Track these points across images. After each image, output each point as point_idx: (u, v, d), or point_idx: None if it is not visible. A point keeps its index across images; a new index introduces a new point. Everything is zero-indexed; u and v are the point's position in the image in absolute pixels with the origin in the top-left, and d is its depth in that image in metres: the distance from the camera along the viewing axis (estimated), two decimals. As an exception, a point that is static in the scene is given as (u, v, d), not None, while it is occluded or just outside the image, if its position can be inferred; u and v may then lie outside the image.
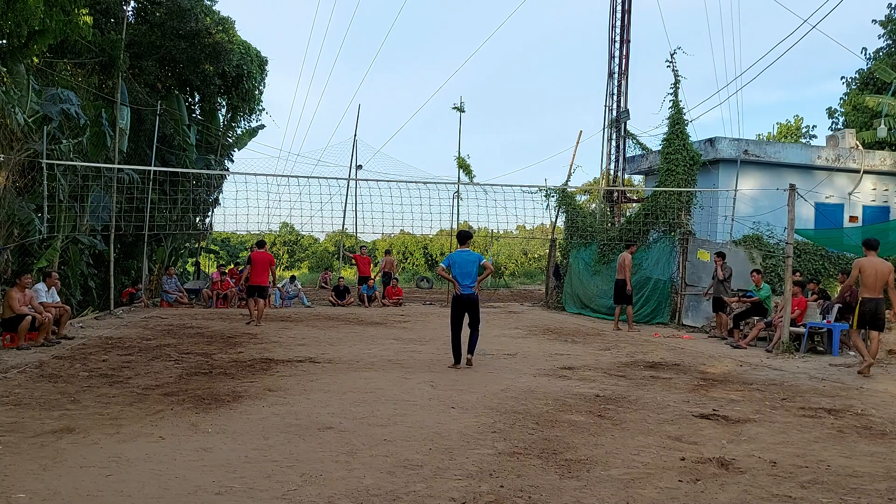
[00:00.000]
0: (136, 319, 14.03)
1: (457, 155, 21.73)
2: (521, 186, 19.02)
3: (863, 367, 8.99)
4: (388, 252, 21.18)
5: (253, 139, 22.92)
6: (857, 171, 18.20)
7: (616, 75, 19.33)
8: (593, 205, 23.20)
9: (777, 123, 38.57)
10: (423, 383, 7.64)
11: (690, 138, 16.40)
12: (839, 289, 10.93)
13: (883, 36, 23.39)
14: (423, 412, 6.24)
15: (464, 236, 9.40)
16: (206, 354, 9.42)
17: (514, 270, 39.63)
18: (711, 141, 17.29)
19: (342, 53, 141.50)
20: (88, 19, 12.82)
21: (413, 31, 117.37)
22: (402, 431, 5.53)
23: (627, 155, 19.76)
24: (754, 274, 12.46)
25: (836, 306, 11.24)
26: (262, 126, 22.92)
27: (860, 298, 9.18)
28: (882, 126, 19.67)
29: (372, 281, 19.89)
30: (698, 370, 9.07)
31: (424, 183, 18.22)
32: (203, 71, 19.46)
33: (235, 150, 23.13)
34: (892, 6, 23.01)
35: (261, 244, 14.60)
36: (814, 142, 30.99)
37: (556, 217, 20.64)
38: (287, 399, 6.65)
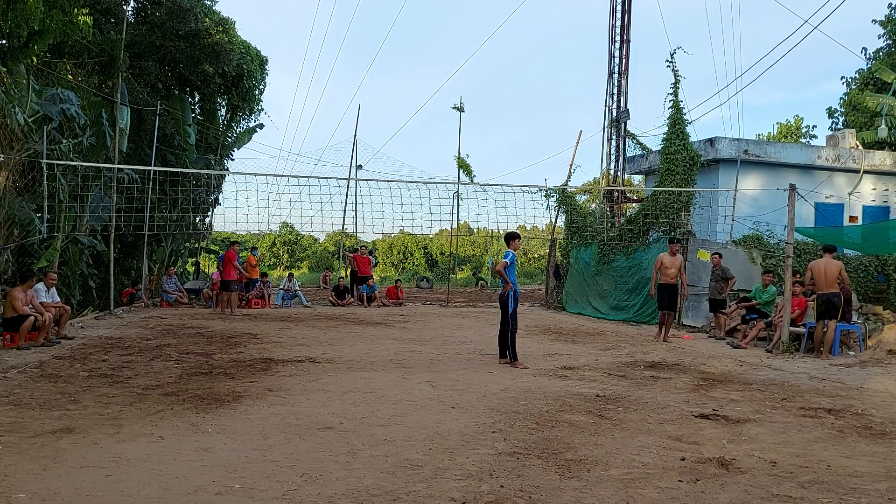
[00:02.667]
0: (136, 319, 14.03)
1: (457, 155, 21.77)
2: (521, 186, 19.04)
3: (823, 353, 10.55)
4: (364, 251, 21.07)
5: (253, 139, 22.95)
6: (857, 171, 18.21)
7: (616, 75, 19.34)
8: (593, 205, 23.20)
9: (777, 123, 38.62)
10: (423, 383, 7.64)
11: (690, 138, 16.40)
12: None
13: (883, 36, 23.40)
14: (423, 412, 6.23)
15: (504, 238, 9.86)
16: (206, 354, 9.42)
17: (514, 270, 39.59)
18: (711, 141, 17.29)
19: (342, 53, 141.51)
20: (88, 19, 12.83)
21: (413, 31, 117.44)
22: (402, 431, 5.53)
23: (627, 155, 19.76)
24: (765, 275, 12.56)
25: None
26: (261, 125, 22.93)
27: (816, 294, 10.80)
28: (882, 126, 19.68)
29: (372, 280, 19.88)
30: (698, 370, 9.07)
31: (424, 183, 18.24)
32: (203, 71, 19.45)
33: (235, 149, 23.14)
34: (892, 6, 23.02)
35: (231, 245, 16.66)
36: (814, 142, 31.03)
37: (556, 217, 20.65)
38: (287, 399, 6.64)
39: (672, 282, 12.41)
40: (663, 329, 12.53)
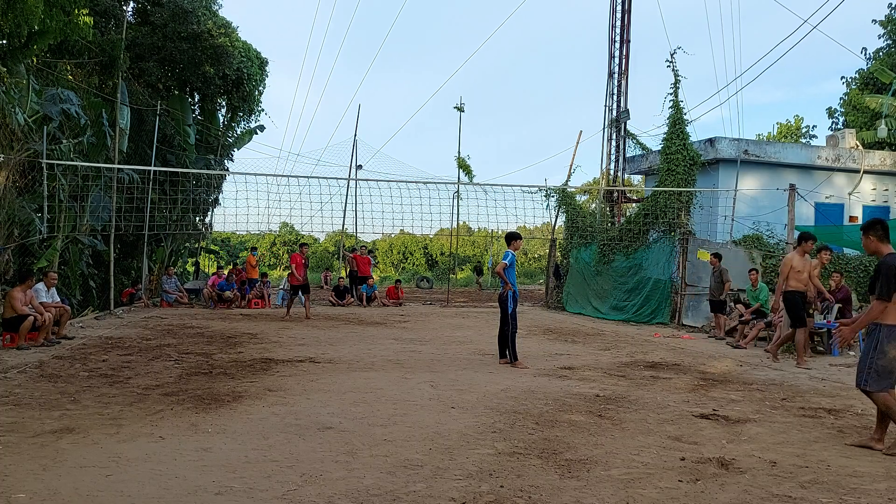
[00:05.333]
0: (136, 319, 14.03)
1: (457, 155, 21.76)
2: (521, 186, 19.06)
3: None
4: (364, 251, 21.05)
5: (253, 139, 22.93)
6: (856, 171, 18.21)
7: (616, 75, 19.33)
8: (593, 205, 23.19)
9: (777, 123, 38.60)
10: (423, 383, 7.64)
11: (690, 138, 16.40)
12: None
13: (883, 36, 23.40)
14: (423, 412, 6.23)
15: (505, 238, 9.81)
16: (206, 354, 9.42)
17: (514, 270, 39.59)
18: (711, 141, 17.29)
19: (342, 53, 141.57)
20: (89, 20, 12.82)
21: (413, 31, 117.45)
22: (402, 431, 5.53)
23: (627, 155, 19.76)
24: (752, 273, 12.46)
25: (836, 306, 11.24)
26: (262, 127, 22.93)
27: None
28: (882, 126, 19.68)
29: (372, 280, 19.88)
30: (698, 370, 9.07)
31: (424, 183, 18.26)
32: (204, 72, 19.46)
33: (235, 149, 23.14)
34: (892, 6, 23.02)
35: (300, 246, 16.65)
36: (814, 142, 31.03)
37: (556, 217, 20.65)
38: (287, 399, 6.65)
39: (804, 289, 9.88)
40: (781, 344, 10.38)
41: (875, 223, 5.51)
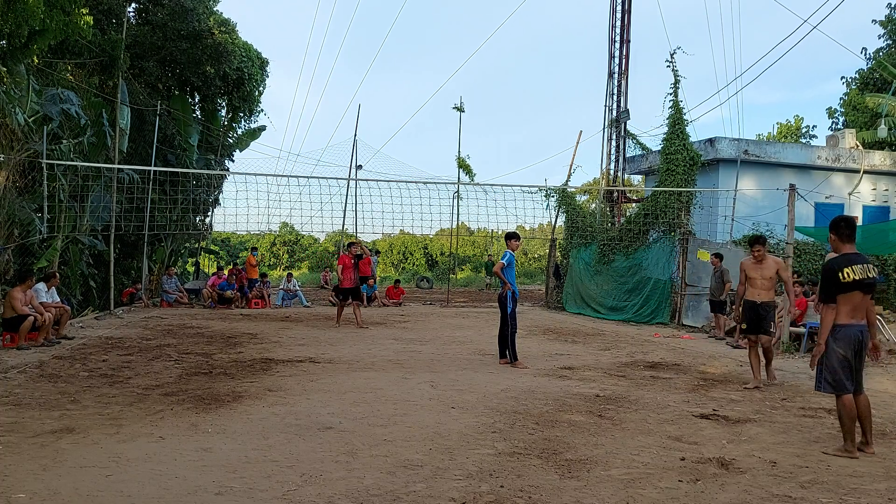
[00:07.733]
0: (136, 319, 14.03)
1: (457, 155, 21.77)
2: (521, 186, 19.06)
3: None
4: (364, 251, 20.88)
5: (254, 140, 22.93)
6: (856, 172, 18.22)
7: (616, 75, 19.33)
8: (593, 205, 23.18)
9: (777, 123, 38.62)
10: (423, 383, 7.64)
11: (690, 138, 16.40)
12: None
13: (883, 36, 23.43)
14: (423, 412, 6.24)
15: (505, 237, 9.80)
16: (206, 354, 9.42)
17: (514, 270, 39.55)
18: (711, 141, 17.29)
19: (342, 53, 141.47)
20: (89, 19, 12.82)
21: (413, 31, 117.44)
22: (402, 431, 5.53)
23: (627, 155, 19.75)
24: None
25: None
26: (263, 127, 22.93)
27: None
28: (882, 126, 19.69)
29: (372, 280, 19.86)
30: (698, 370, 9.07)
31: (424, 183, 18.26)
32: (204, 72, 19.45)
33: (237, 150, 23.14)
34: (892, 6, 23.04)
35: (348, 246, 15.18)
36: (814, 142, 31.05)
37: (556, 217, 20.65)
38: (287, 399, 6.65)
39: (756, 298, 8.50)
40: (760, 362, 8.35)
41: (840, 221, 5.46)
